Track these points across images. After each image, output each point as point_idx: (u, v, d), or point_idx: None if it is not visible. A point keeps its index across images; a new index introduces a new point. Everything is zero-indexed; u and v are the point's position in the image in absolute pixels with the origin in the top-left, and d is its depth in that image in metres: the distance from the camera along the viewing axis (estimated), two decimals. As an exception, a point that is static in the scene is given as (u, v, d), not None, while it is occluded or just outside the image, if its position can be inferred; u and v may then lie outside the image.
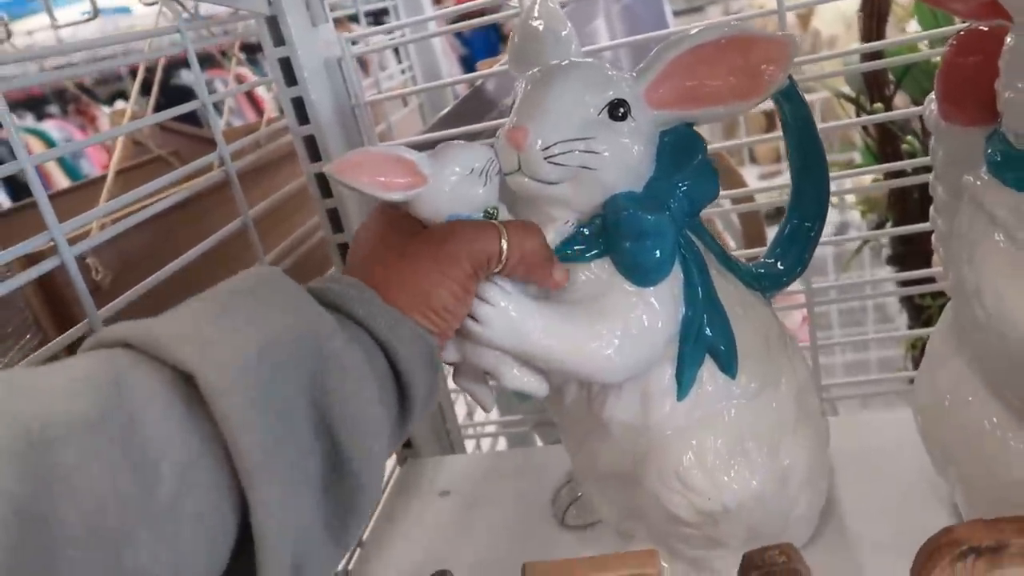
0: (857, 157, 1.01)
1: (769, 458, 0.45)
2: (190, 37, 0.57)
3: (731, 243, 1.05)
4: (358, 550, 0.62)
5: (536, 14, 0.46)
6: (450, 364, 0.43)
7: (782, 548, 0.34)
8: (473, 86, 0.73)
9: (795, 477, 0.46)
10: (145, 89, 0.97)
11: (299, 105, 0.62)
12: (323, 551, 0.31)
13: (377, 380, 0.33)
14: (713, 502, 0.44)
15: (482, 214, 0.41)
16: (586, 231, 0.43)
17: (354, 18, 1.07)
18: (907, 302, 0.92)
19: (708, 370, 0.44)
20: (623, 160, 0.41)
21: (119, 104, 2.37)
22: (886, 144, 0.89)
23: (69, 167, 1.98)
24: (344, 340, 0.32)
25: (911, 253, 0.89)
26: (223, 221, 0.62)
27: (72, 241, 0.47)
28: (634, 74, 0.42)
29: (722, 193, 0.77)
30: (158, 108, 0.96)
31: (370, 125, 0.66)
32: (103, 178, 0.83)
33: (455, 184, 0.41)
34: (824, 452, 0.49)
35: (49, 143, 2.06)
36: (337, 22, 0.66)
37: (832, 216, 1.26)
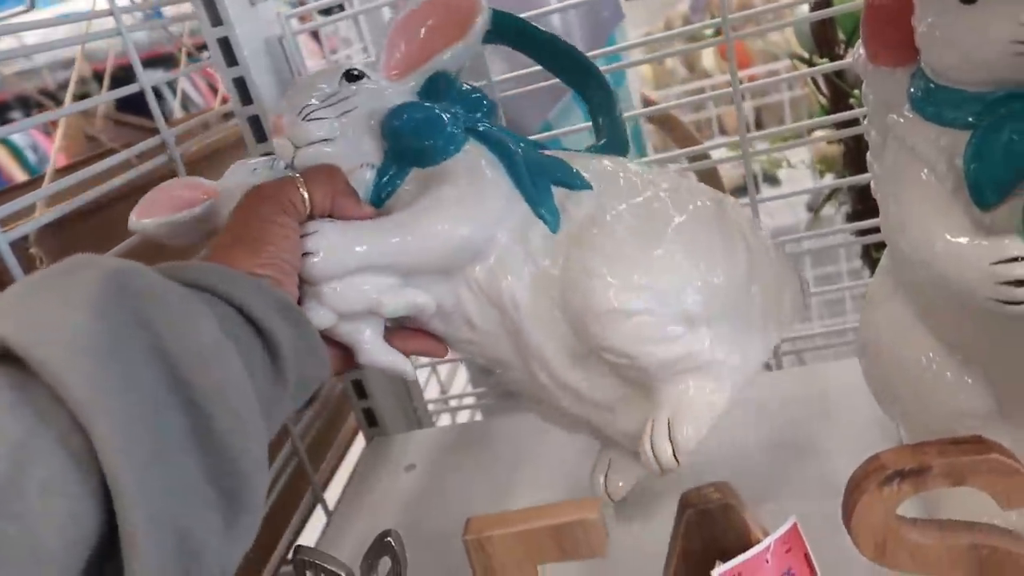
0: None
1: (671, 229, 0.43)
2: (127, 23, 0.56)
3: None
4: (327, 521, 0.62)
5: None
6: (321, 326, 0.41)
7: (717, 486, 0.35)
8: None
9: (696, 256, 0.44)
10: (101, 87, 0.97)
11: (241, 86, 0.62)
12: (209, 525, 0.28)
13: (215, 317, 0.32)
14: (634, 276, 0.42)
15: None
16: (384, 166, 0.44)
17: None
18: (867, 258, 0.93)
19: (565, 196, 0.44)
20: (377, 91, 0.44)
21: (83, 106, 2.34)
22: (839, 102, 0.89)
23: (30, 166, 1.95)
24: (157, 280, 0.31)
25: (867, 209, 0.90)
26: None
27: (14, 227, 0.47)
28: (369, 63, 0.47)
29: (680, 152, 0.78)
30: (118, 105, 0.95)
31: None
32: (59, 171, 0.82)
33: (243, 186, 0.42)
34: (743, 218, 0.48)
35: (13, 149, 2.04)
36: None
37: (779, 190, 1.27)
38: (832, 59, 0.86)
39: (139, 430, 0.27)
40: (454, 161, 0.42)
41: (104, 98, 0.56)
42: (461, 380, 1.00)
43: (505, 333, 0.44)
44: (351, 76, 0.44)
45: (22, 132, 2.30)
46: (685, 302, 0.42)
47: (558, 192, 0.44)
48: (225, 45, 0.61)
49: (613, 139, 0.51)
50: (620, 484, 0.51)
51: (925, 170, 0.38)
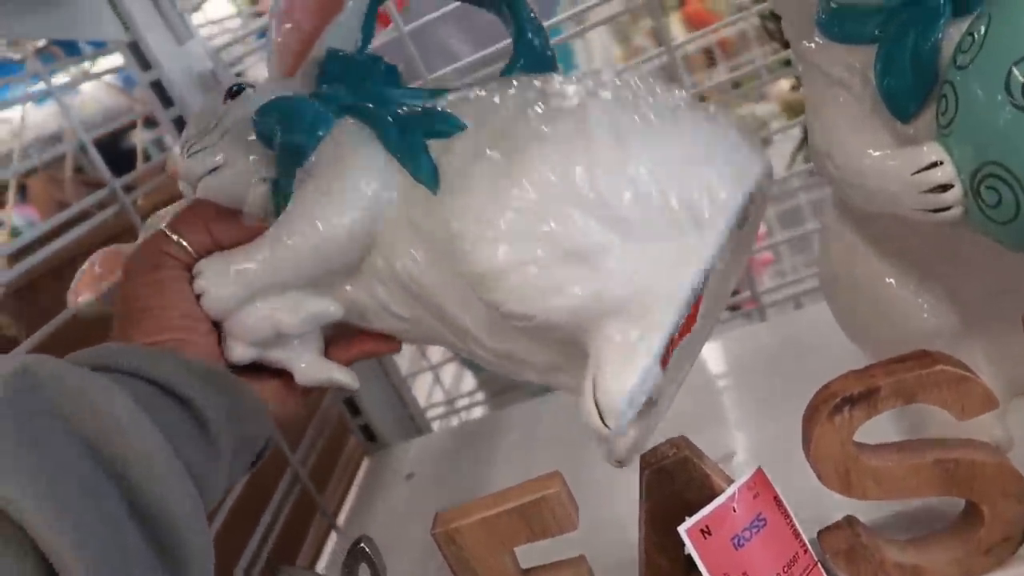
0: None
1: (534, 151, 0.35)
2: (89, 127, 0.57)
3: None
4: (334, 536, 0.62)
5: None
6: (244, 361, 0.40)
7: (672, 441, 0.34)
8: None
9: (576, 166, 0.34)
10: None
11: (180, 124, 0.62)
12: None
13: (130, 393, 0.31)
14: (506, 220, 0.34)
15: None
16: (276, 176, 0.41)
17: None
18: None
19: (439, 148, 0.38)
20: (251, 108, 0.40)
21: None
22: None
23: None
24: (60, 370, 0.30)
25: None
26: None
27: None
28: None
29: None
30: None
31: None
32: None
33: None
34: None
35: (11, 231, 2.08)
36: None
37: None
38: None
39: (72, 513, 0.26)
40: (322, 147, 0.39)
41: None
42: (469, 382, 1.00)
43: (430, 315, 0.40)
44: (232, 93, 0.43)
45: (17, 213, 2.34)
46: (570, 234, 0.33)
47: (435, 146, 0.38)
48: (158, 87, 0.61)
49: (529, 57, 0.43)
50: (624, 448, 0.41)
51: (843, 92, 0.37)
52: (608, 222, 0.34)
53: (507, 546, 0.36)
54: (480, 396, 0.92)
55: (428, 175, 0.38)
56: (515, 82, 0.40)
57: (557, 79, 0.40)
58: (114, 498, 0.28)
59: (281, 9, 0.42)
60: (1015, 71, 0.29)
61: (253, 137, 0.41)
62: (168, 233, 0.39)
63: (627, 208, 0.34)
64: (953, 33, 0.33)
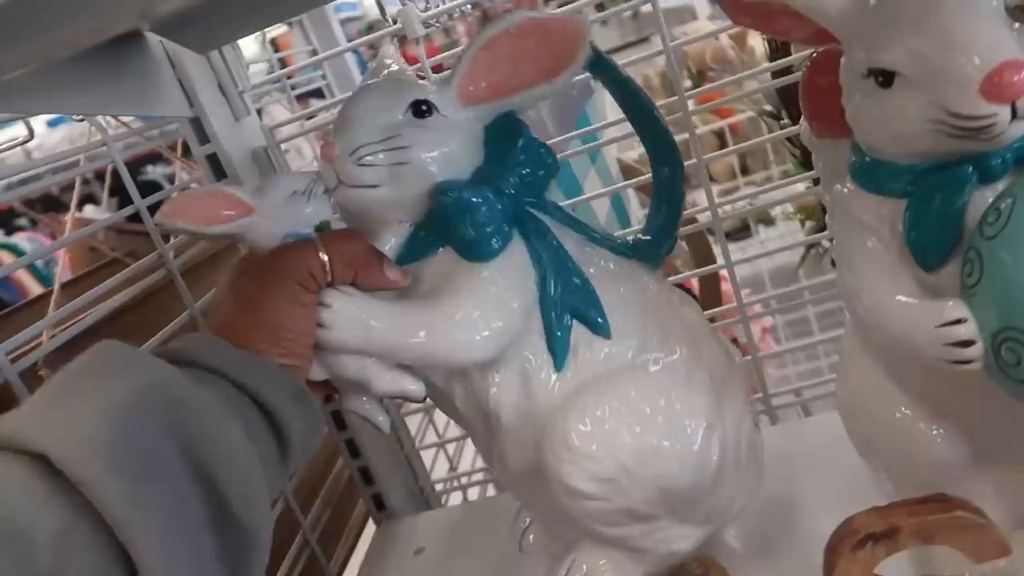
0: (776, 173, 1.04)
1: (663, 408, 0.44)
2: (118, 148, 0.60)
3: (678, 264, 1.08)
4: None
5: (387, 61, 0.50)
6: (321, 383, 0.43)
7: (699, 560, 0.36)
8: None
9: (695, 422, 0.44)
10: (116, 191, 1.00)
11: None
12: None
13: (241, 420, 0.35)
14: (606, 464, 0.42)
15: (313, 229, 0.45)
16: (422, 228, 0.44)
17: (318, 93, 1.11)
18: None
19: (581, 335, 0.44)
20: (435, 151, 0.42)
21: (88, 209, 2.41)
22: (808, 153, 0.92)
23: (41, 275, 2.00)
24: (189, 385, 0.34)
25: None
26: (170, 316, 0.64)
27: (23, 354, 0.50)
28: (441, 77, 0.45)
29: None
30: (121, 207, 0.99)
31: (304, 205, 0.69)
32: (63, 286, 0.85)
33: (280, 207, 0.44)
34: (734, 391, 0.47)
35: (20, 255, 2.10)
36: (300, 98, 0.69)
37: (777, 230, 1.29)
38: (794, 112, 0.89)
39: (173, 544, 0.30)
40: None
41: (102, 223, 0.59)
42: (469, 456, 1.01)
43: (481, 426, 0.45)
44: (419, 110, 0.42)
45: (27, 240, 2.37)
46: (640, 501, 0.43)
47: (576, 329, 0.44)
48: (214, 160, 0.64)
49: (660, 230, 0.50)
50: (531, 538, 0.56)
51: (872, 238, 0.40)
52: (667, 506, 0.44)
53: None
54: (480, 476, 0.93)
55: (560, 355, 0.43)
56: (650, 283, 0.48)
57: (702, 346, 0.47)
58: (196, 496, 0.32)
59: (497, 39, 0.42)
60: (1037, 249, 0.32)
61: (425, 183, 0.42)
62: (320, 254, 0.40)
63: (684, 506, 0.44)
64: (978, 198, 0.36)
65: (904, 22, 0.35)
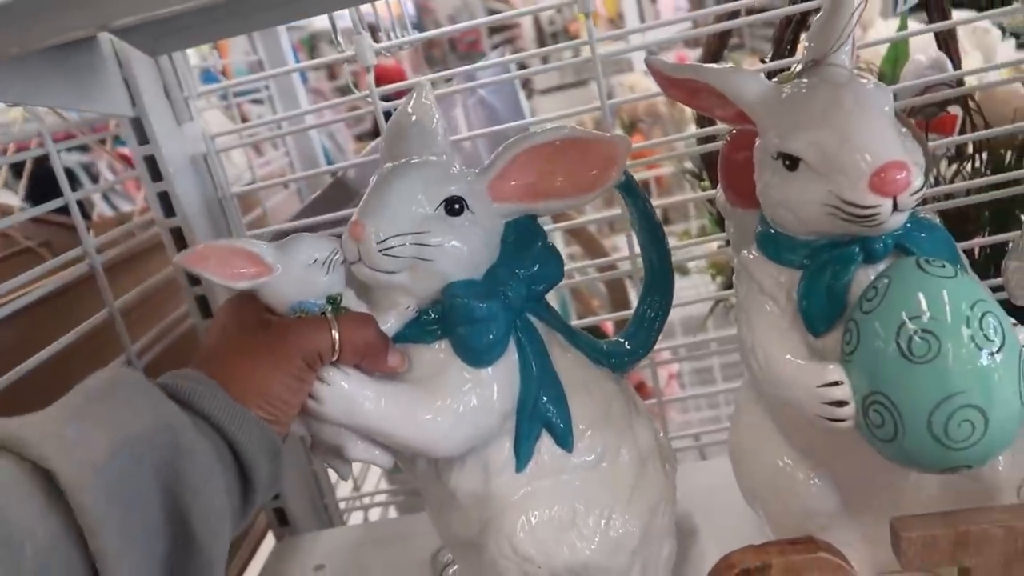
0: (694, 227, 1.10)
1: (602, 527, 0.47)
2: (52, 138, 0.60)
3: (595, 305, 1.12)
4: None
5: (410, 109, 0.50)
6: (301, 436, 0.47)
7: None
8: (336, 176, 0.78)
9: (627, 545, 0.48)
10: (18, 171, 0.97)
11: (164, 198, 0.66)
12: None
13: (224, 472, 0.37)
14: (543, 571, 0.46)
15: (325, 300, 0.45)
16: (428, 315, 0.46)
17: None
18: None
19: (545, 443, 0.48)
20: (458, 252, 0.44)
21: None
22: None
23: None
24: (194, 435, 0.36)
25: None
26: (94, 312, 0.63)
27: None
28: (476, 171, 0.47)
29: (586, 262, 0.84)
30: (31, 192, 0.96)
31: (237, 215, 0.70)
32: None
33: (299, 274, 0.45)
34: (664, 515, 0.51)
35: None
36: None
37: (691, 281, 1.36)
38: (714, 176, 0.95)
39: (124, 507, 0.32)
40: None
41: (29, 214, 0.59)
42: (374, 477, 1.02)
43: (435, 494, 0.50)
44: (451, 208, 0.45)
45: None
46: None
47: (543, 437, 0.47)
48: (151, 161, 0.65)
49: (638, 346, 0.54)
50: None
51: (769, 302, 0.45)
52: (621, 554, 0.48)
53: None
54: (383, 497, 0.94)
55: (523, 459, 0.47)
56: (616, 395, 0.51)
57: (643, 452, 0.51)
58: (168, 535, 0.34)
59: (539, 148, 0.46)
60: (903, 327, 0.36)
61: (437, 282, 0.45)
62: (333, 334, 0.42)
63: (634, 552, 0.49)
64: (861, 275, 0.41)
65: (809, 116, 0.40)
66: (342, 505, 0.82)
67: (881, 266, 0.41)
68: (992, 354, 0.35)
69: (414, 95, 0.51)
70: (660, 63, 0.45)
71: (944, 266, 0.37)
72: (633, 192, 0.52)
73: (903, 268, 0.38)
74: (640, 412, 0.53)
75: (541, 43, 4.65)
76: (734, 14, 0.67)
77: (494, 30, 4.17)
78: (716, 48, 0.79)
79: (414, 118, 0.50)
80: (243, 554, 0.83)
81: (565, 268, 0.51)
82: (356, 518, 0.88)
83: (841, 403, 0.39)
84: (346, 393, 0.43)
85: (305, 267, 0.45)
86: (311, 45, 3.21)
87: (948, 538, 0.36)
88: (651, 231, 0.53)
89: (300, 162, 1.12)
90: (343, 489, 0.89)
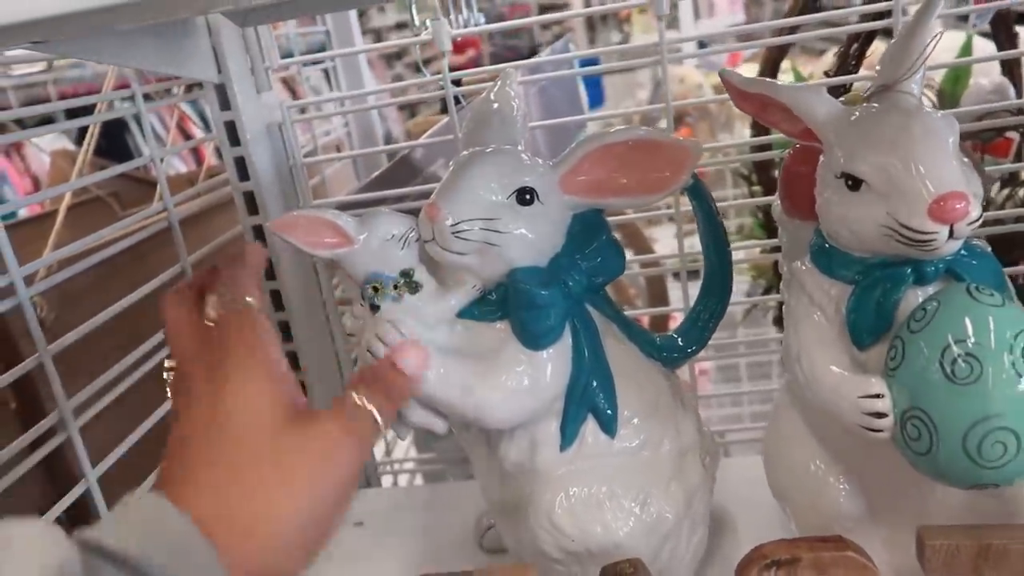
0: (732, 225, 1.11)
1: (637, 511, 0.50)
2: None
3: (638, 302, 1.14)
4: None
5: (493, 97, 0.53)
6: None
7: (631, 561, 0.42)
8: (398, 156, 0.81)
9: (660, 529, 0.51)
10: (72, 114, 1.00)
11: (240, 163, 0.69)
12: None
13: None
14: (577, 544, 0.49)
15: (399, 273, 0.49)
16: (491, 295, 0.50)
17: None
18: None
19: (591, 427, 0.50)
20: (525, 240, 0.47)
21: (47, 133, 2.37)
22: (771, 220, 1.00)
23: (-1, 196, 1.96)
24: None
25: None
26: (160, 261, 0.67)
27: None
28: (551, 163, 0.50)
29: (629, 257, 0.86)
30: (98, 141, 1.01)
31: (305, 183, 0.73)
32: (41, 216, 0.87)
33: (377, 247, 0.48)
34: (700, 504, 0.54)
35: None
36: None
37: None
38: (766, 182, 0.97)
39: None
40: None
41: (108, 173, 0.62)
42: (403, 444, 1.06)
43: (484, 457, 0.54)
44: (523, 198, 0.47)
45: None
46: (593, 571, 0.47)
47: (588, 420, 0.50)
48: (231, 127, 0.68)
49: (690, 342, 0.56)
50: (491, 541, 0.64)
51: (818, 312, 0.47)
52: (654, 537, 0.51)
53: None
54: (411, 465, 0.98)
55: (568, 439, 0.50)
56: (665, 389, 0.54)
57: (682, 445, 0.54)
58: None
59: (613, 146, 0.48)
60: (948, 349, 0.38)
61: (502, 267, 0.48)
62: (365, 407, 0.36)
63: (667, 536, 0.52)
64: (910, 296, 0.43)
65: (877, 140, 0.42)
66: (380, 469, 0.86)
67: (931, 288, 0.43)
68: (1030, 381, 0.37)
69: (498, 83, 0.54)
70: (734, 76, 0.47)
71: (992, 295, 0.39)
72: (700, 196, 0.54)
73: (953, 293, 0.40)
74: (687, 407, 0.56)
75: (591, 28, 4.64)
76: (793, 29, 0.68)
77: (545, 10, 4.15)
78: (776, 57, 0.80)
79: (496, 106, 0.53)
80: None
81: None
82: (385, 482, 0.92)
83: (881, 415, 0.41)
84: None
85: (383, 241, 0.48)
86: (360, 13, 3.23)
87: (971, 550, 0.39)
88: (715, 235, 0.55)
89: (357, 134, 1.15)
90: (376, 453, 0.92)
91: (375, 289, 0.49)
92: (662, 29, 0.64)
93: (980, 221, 0.40)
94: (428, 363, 0.45)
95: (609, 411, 0.51)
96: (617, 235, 0.55)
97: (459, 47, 1.69)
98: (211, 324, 0.36)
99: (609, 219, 0.81)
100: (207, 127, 1.80)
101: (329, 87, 1.23)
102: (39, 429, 0.52)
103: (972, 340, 0.38)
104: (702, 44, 2.37)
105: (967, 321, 0.38)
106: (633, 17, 5.19)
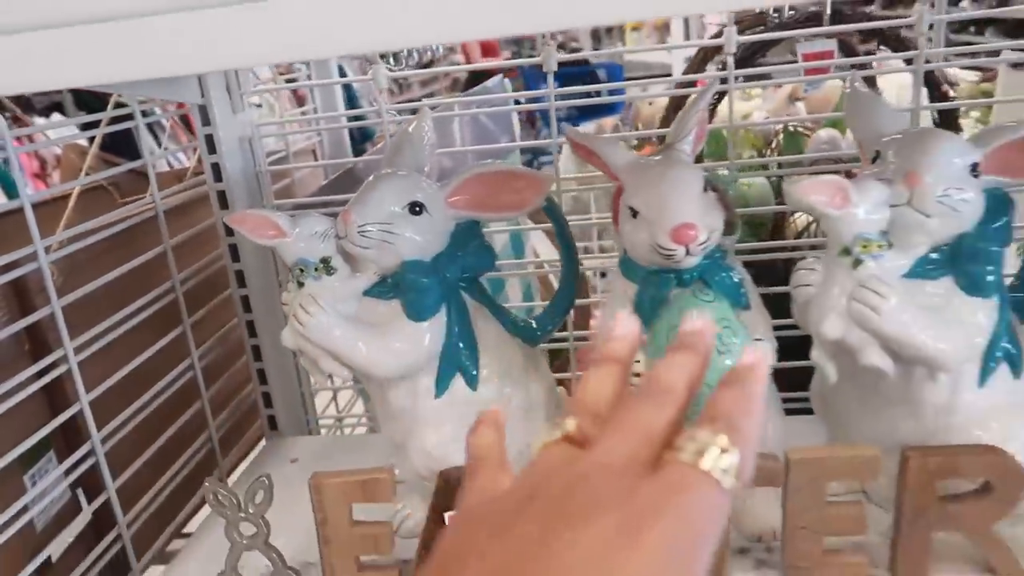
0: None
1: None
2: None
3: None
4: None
5: (410, 129, 0.71)
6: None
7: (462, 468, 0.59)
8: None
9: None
10: (80, 103, 1.16)
11: (216, 168, 0.87)
12: None
13: None
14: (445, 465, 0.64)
15: (319, 260, 0.67)
16: (388, 280, 0.67)
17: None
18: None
19: (459, 382, 0.68)
20: (413, 241, 0.63)
21: (55, 117, 2.54)
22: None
23: (3, 176, 2.13)
24: None
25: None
26: (148, 243, 0.85)
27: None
28: (439, 185, 0.67)
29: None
30: (105, 138, 1.18)
31: (268, 186, 0.91)
32: (56, 199, 1.04)
33: (304, 240, 0.66)
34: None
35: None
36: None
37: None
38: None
39: None
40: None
41: (109, 173, 0.80)
42: (359, 408, 1.24)
43: (382, 404, 0.72)
44: (414, 209, 0.63)
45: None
46: None
47: (456, 377, 0.67)
48: (209, 140, 0.86)
49: (544, 327, 0.74)
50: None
51: (619, 304, 0.65)
52: None
53: (348, 501, 0.60)
54: (364, 420, 1.16)
55: (440, 388, 0.67)
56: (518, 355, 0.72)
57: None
58: None
59: (486, 175, 0.65)
60: (672, 330, 0.56)
61: (395, 260, 0.64)
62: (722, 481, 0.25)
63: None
64: (674, 293, 0.61)
65: (647, 183, 0.60)
66: (323, 422, 1.04)
67: (689, 290, 0.61)
68: (723, 354, 0.55)
69: (417, 120, 0.72)
70: (571, 132, 0.65)
71: (708, 294, 0.57)
72: (553, 214, 0.72)
73: (682, 292, 0.58)
74: (540, 373, 0.74)
75: (596, 39, 4.88)
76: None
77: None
78: (678, 103, 0.98)
79: (412, 137, 0.71)
80: (240, 451, 1.05)
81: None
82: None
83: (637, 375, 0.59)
84: (322, 324, 0.64)
85: (310, 236, 0.66)
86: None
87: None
88: (566, 246, 0.74)
89: (329, 142, 1.33)
90: (328, 409, 1.10)
91: (301, 271, 0.67)
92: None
93: (709, 243, 0.57)
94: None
95: (473, 371, 0.68)
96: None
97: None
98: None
99: (542, 227, 0.99)
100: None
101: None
102: (46, 361, 0.70)
103: (685, 323, 0.56)
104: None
105: (687, 310, 0.56)
106: (627, 35, 5.40)
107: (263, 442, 1.00)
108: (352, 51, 0.40)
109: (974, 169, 0.57)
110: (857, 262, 0.56)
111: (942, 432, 0.61)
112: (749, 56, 0.84)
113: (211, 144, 0.86)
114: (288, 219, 0.67)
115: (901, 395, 0.62)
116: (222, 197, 0.88)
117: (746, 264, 0.67)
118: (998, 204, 0.60)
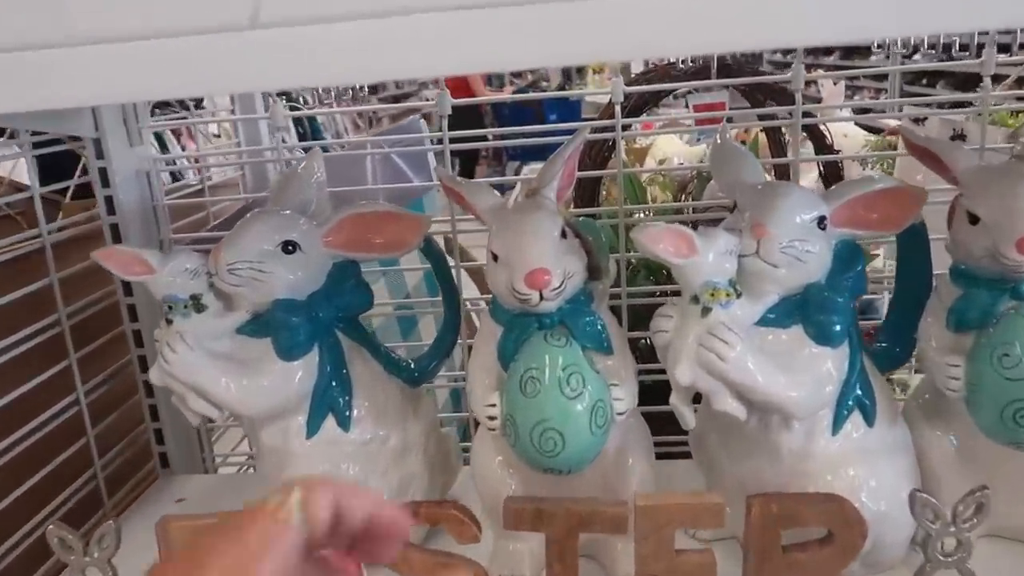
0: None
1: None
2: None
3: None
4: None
5: (299, 169, 0.71)
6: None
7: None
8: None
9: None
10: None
11: (109, 201, 0.86)
12: None
13: None
14: None
15: (189, 296, 0.66)
16: (259, 318, 0.67)
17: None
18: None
19: (331, 422, 0.68)
20: (285, 279, 0.65)
21: None
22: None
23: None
24: None
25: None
26: (43, 271, 0.83)
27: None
28: (315, 223, 0.67)
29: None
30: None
31: (166, 220, 0.90)
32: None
33: (173, 276, 0.65)
34: (415, 494, 0.71)
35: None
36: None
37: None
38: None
39: None
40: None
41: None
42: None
43: (256, 443, 0.71)
44: (287, 248, 0.64)
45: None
46: None
47: (328, 417, 0.68)
48: (103, 172, 0.85)
49: (425, 371, 0.75)
50: None
51: (484, 345, 0.65)
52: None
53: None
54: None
55: (312, 429, 0.68)
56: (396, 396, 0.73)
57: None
58: None
59: (363, 216, 0.66)
60: (525, 373, 0.57)
61: (267, 298, 0.65)
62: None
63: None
64: (535, 337, 0.62)
65: (505, 227, 0.60)
66: (218, 460, 1.02)
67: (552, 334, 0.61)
68: (571, 399, 0.56)
69: (307, 161, 0.72)
70: (443, 175, 0.66)
71: (560, 339, 0.58)
72: (431, 253, 0.73)
73: (535, 337, 0.59)
74: (419, 416, 0.74)
75: (568, 78, 4.97)
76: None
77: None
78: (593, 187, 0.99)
79: (301, 176, 0.71)
80: (138, 490, 1.02)
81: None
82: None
83: (493, 417, 0.60)
84: (188, 361, 0.63)
85: (179, 272, 0.66)
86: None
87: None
88: (446, 286, 0.74)
89: (251, 175, 1.33)
90: (224, 448, 1.08)
91: (170, 307, 0.66)
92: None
93: (562, 288, 0.58)
94: None
95: (347, 412, 0.68)
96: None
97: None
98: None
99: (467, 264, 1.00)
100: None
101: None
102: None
103: (535, 368, 0.56)
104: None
105: (537, 355, 0.57)
106: (588, 77, 5.51)
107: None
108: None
109: (821, 222, 0.59)
110: (706, 310, 0.57)
111: (799, 478, 0.62)
112: (642, 105, 0.86)
113: (104, 177, 0.85)
114: (158, 256, 0.66)
115: (761, 441, 0.63)
116: (115, 230, 0.87)
117: (649, 307, 0.67)
118: (851, 255, 0.62)
